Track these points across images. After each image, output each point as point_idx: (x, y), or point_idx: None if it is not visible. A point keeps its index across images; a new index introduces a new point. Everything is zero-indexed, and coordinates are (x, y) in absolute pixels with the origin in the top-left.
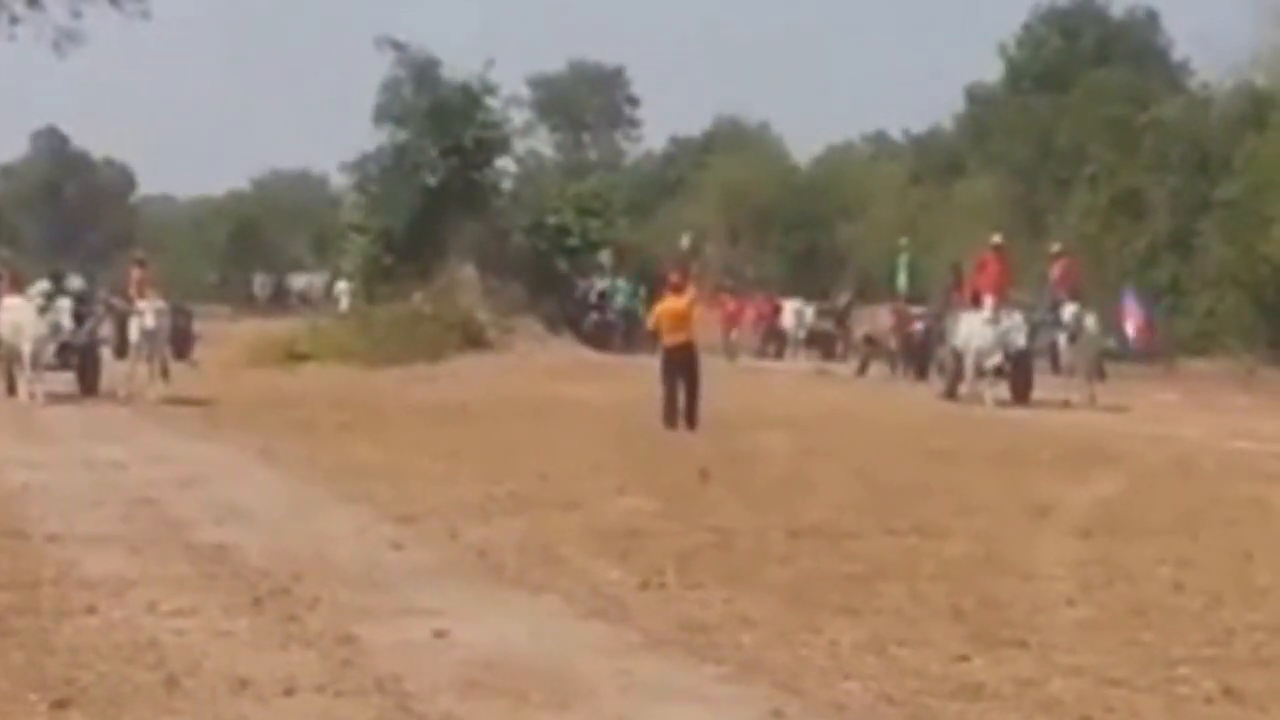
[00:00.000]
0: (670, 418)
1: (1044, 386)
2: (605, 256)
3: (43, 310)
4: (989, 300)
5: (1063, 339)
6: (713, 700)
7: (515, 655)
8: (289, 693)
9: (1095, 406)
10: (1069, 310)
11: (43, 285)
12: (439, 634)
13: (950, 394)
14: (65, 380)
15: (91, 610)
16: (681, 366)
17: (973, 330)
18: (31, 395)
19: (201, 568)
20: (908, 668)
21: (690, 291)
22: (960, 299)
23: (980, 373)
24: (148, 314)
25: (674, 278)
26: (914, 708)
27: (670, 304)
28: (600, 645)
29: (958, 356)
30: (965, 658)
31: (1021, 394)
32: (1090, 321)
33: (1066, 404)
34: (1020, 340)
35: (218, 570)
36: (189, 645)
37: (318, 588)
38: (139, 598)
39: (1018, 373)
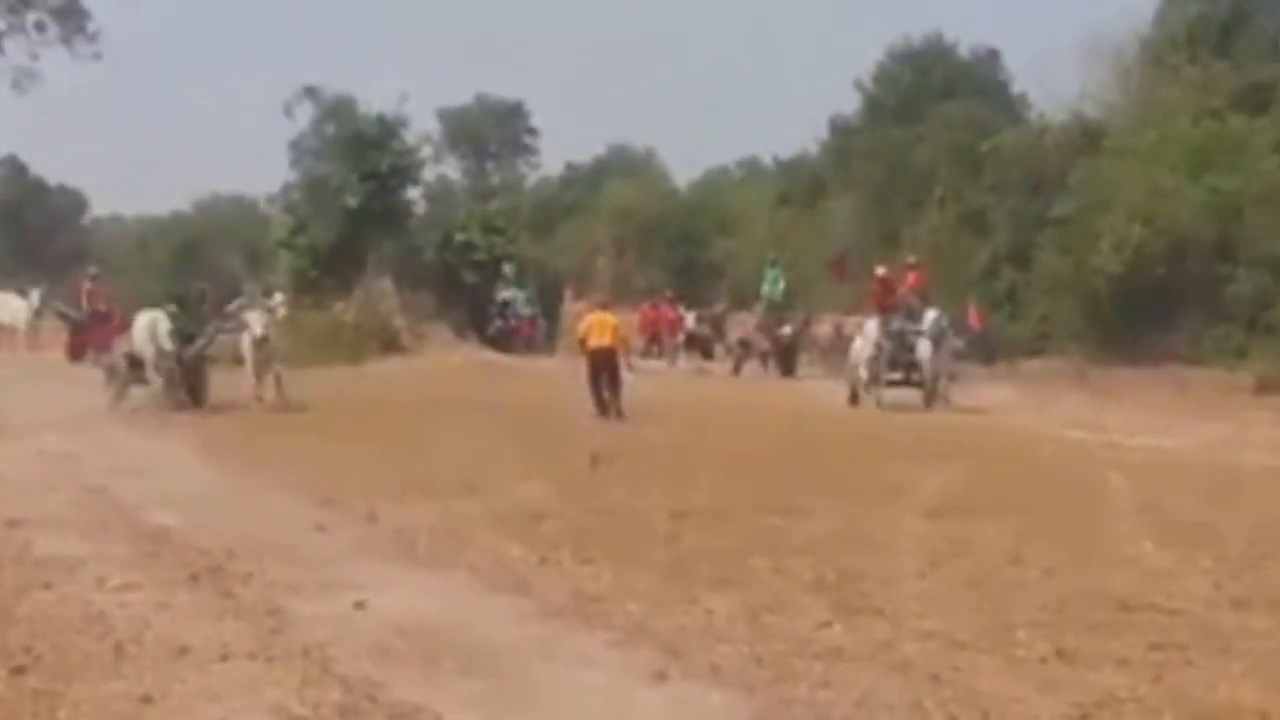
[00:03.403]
0: (602, 408)
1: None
2: (509, 269)
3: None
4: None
5: (925, 346)
6: (603, 663)
7: (428, 624)
8: (224, 659)
9: (951, 406)
10: (930, 316)
11: (171, 308)
12: (359, 606)
13: (854, 399)
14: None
15: (47, 586)
16: (605, 367)
17: (869, 340)
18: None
19: (144, 548)
20: (776, 633)
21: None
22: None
23: (875, 379)
24: (255, 325)
25: (600, 298)
26: (781, 668)
27: (599, 316)
28: (503, 615)
29: (859, 364)
30: (827, 624)
31: (928, 397)
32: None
33: (931, 406)
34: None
35: (159, 550)
36: (134, 617)
37: (249, 565)
38: (89, 575)
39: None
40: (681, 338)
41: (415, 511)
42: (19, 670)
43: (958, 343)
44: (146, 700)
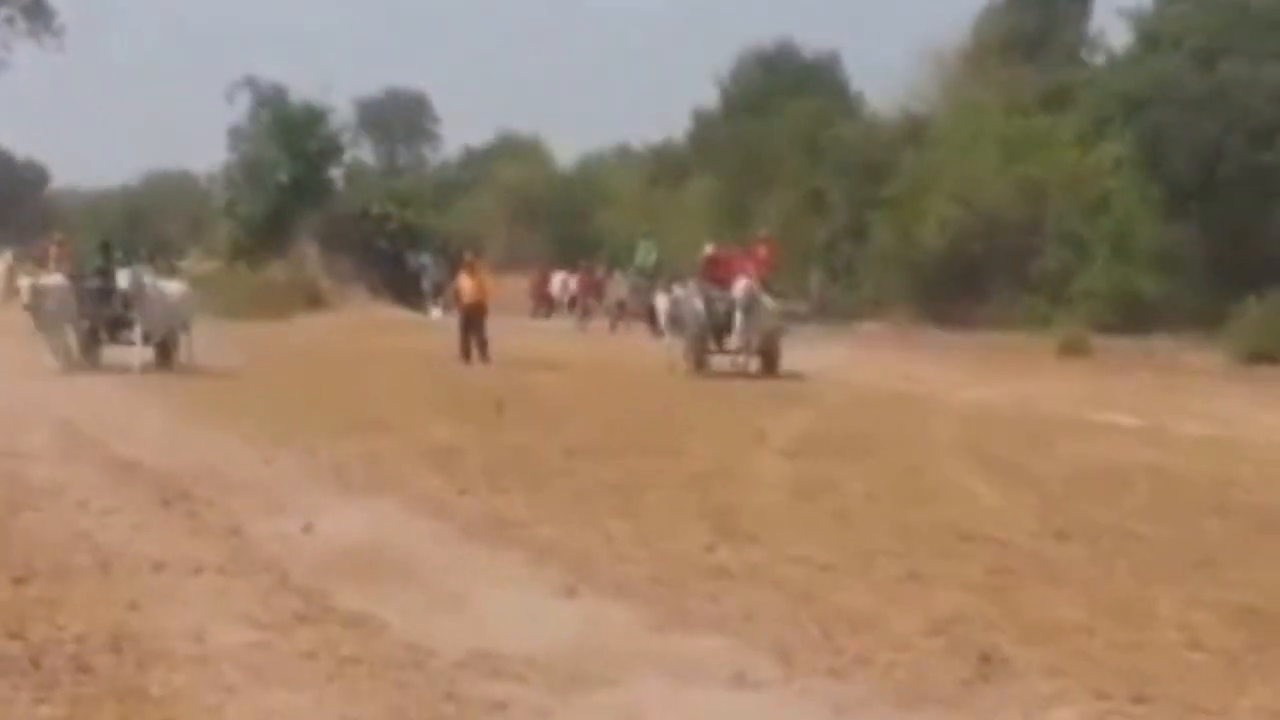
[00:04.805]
0: (467, 355)
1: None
2: (424, 238)
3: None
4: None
5: (739, 314)
6: (520, 580)
7: (366, 545)
8: (196, 572)
9: (776, 369)
10: (740, 284)
11: (97, 263)
12: (307, 528)
13: (699, 364)
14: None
15: (37, 509)
16: (478, 320)
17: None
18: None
19: (118, 476)
20: (669, 555)
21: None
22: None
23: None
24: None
25: (469, 258)
26: (676, 585)
27: (484, 277)
28: (431, 537)
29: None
30: (712, 548)
31: (770, 366)
32: (766, 299)
33: (742, 371)
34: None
35: (132, 478)
36: (116, 536)
37: (211, 492)
38: (72, 499)
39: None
40: (569, 299)
41: (349, 448)
42: (20, 580)
43: (801, 307)
44: (133, 607)
